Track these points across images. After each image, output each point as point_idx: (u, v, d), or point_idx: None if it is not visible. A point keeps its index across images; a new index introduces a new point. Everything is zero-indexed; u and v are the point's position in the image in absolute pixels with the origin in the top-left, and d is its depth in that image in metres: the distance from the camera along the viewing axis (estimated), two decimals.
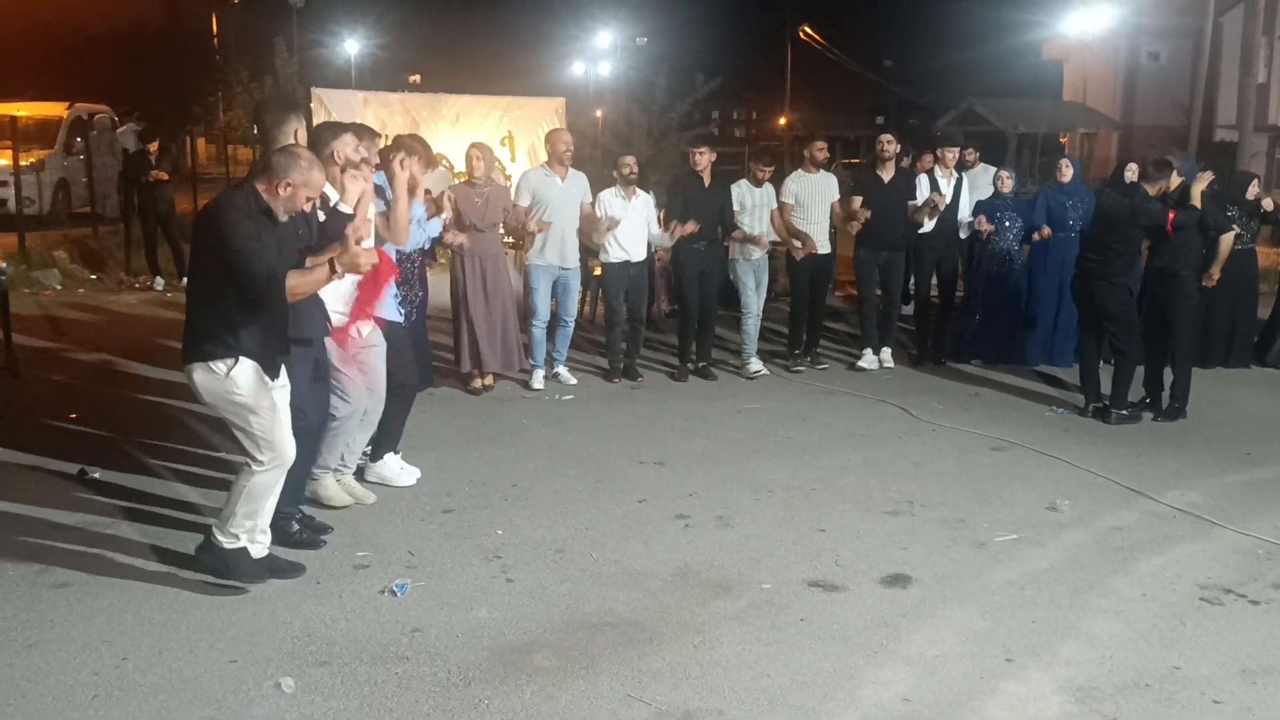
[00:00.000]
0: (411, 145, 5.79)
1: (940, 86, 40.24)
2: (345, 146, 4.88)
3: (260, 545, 4.47)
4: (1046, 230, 8.74)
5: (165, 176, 12.34)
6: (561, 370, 8.27)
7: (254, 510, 4.36)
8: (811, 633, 4.20)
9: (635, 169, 8.16)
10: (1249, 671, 3.96)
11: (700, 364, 8.56)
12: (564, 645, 4.04)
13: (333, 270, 4.32)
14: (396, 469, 5.82)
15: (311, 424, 4.83)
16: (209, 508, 5.15)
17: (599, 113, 22.07)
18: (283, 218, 4.24)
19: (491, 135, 11.84)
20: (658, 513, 5.51)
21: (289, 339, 4.40)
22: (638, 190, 8.21)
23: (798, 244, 8.56)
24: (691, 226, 7.96)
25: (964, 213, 9.11)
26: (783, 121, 51.84)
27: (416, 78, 39.51)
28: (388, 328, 5.45)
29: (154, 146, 12.58)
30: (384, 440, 5.74)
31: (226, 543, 4.36)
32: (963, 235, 9.19)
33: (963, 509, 5.65)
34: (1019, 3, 36.74)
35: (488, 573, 4.72)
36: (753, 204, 8.44)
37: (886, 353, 9.02)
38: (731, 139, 57.92)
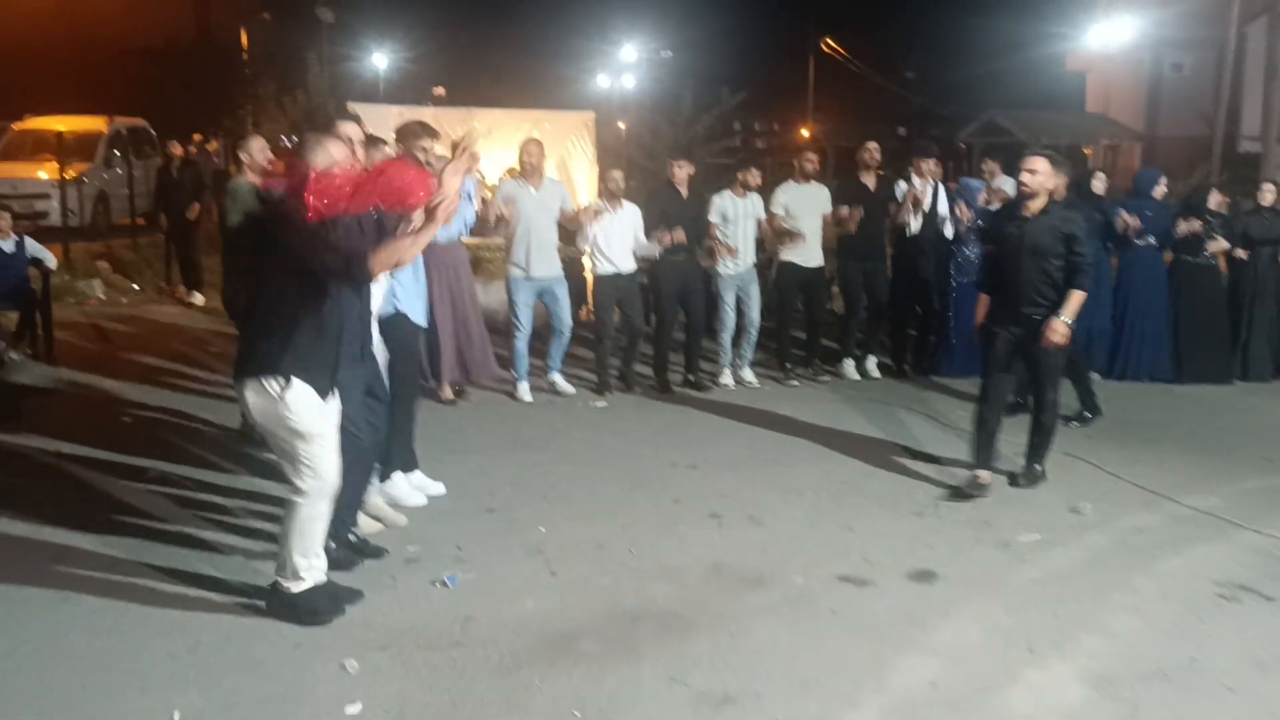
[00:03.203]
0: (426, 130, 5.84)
1: (962, 98, 40.28)
2: (349, 129, 4.76)
3: (318, 570, 4.35)
4: None
5: (194, 212, 12.37)
6: (557, 379, 8.33)
7: (307, 546, 4.25)
8: (842, 624, 4.41)
9: (621, 183, 8.26)
10: (1263, 663, 4.14)
11: (690, 377, 8.62)
12: (607, 633, 4.26)
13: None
14: (406, 489, 5.72)
15: (364, 444, 4.76)
16: (271, 498, 5.41)
17: (622, 124, 22.30)
18: None
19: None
20: (692, 512, 5.73)
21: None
22: (624, 202, 8.26)
23: (788, 242, 8.58)
24: (679, 235, 8.09)
25: (943, 209, 8.96)
26: (805, 133, 52.02)
27: (441, 90, 39.97)
28: (401, 328, 5.40)
29: (179, 150, 12.91)
30: (391, 459, 5.61)
31: (294, 587, 4.27)
32: (949, 234, 8.97)
33: (987, 511, 5.84)
34: (1041, 15, 36.80)
35: (532, 567, 4.95)
36: (735, 215, 8.45)
37: (872, 362, 9.07)
38: (755, 150, 58.17)
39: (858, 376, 8.98)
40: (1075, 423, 7.60)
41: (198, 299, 12.15)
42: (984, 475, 6.08)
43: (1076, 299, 5.92)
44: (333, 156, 4.14)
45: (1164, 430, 7.64)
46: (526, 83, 36.16)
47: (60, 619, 4.26)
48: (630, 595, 4.66)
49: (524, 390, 8.16)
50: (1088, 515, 5.79)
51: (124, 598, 4.45)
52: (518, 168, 8.26)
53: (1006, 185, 9.78)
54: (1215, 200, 9.22)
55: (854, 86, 52.75)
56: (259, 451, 6.07)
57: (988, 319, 6.21)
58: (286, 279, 4.11)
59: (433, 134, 5.75)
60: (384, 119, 12.56)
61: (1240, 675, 4.03)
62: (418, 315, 5.66)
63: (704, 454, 6.80)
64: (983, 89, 39.91)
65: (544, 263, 8.02)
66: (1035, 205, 5.95)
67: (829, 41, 49.53)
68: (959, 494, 6.01)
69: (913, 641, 4.26)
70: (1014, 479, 6.22)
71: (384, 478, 5.63)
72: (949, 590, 4.79)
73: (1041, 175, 5.93)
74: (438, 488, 5.88)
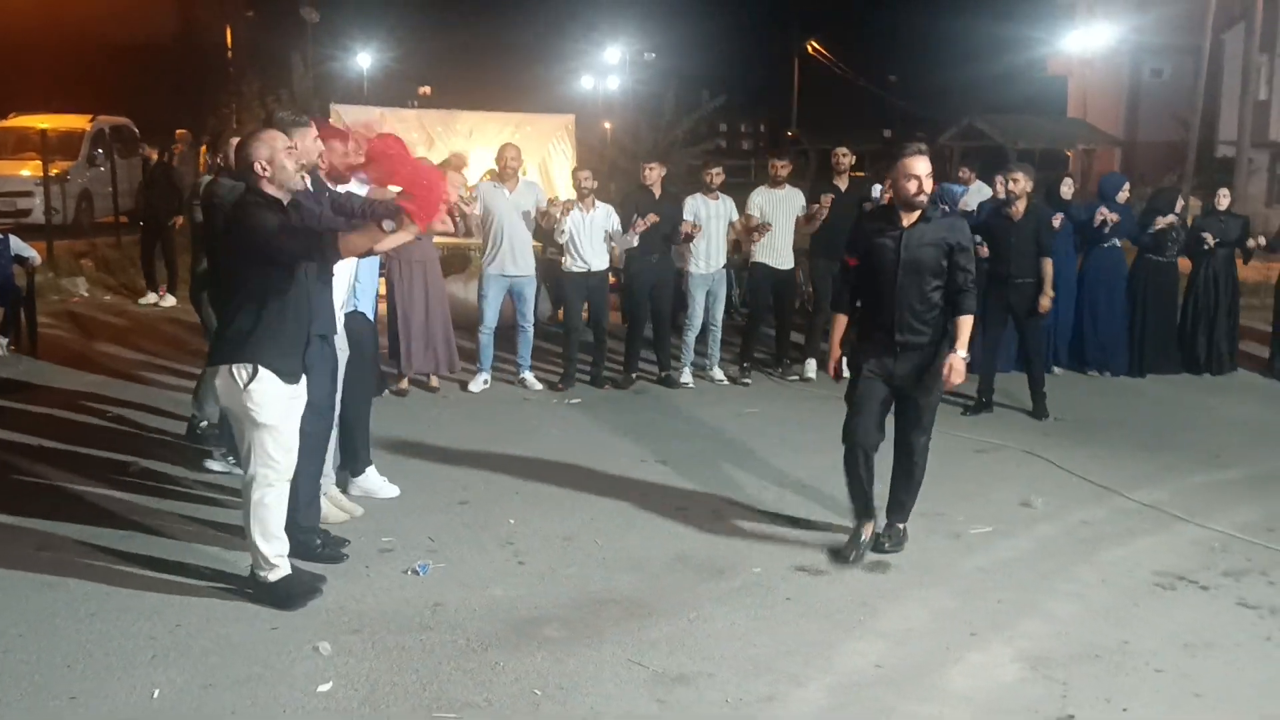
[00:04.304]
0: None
1: (945, 101, 40.77)
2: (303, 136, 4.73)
3: (280, 551, 4.48)
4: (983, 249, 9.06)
5: (179, 222, 12.19)
6: (527, 376, 8.58)
7: (268, 532, 4.39)
8: (796, 610, 4.63)
9: (591, 181, 8.48)
10: (1190, 646, 4.37)
11: (662, 373, 8.85)
12: (571, 619, 4.47)
13: (381, 227, 4.33)
14: (379, 481, 5.91)
15: (323, 428, 4.92)
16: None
17: (607, 125, 22.49)
18: (286, 197, 4.31)
19: None
20: (659, 505, 5.94)
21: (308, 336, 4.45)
22: (597, 202, 8.49)
23: (758, 237, 8.71)
24: (653, 217, 8.30)
25: None
26: (790, 135, 52.30)
27: (427, 89, 40.10)
28: (359, 325, 5.51)
29: (153, 154, 12.99)
30: (359, 453, 5.82)
31: (270, 575, 4.44)
32: None
33: (943, 504, 6.05)
34: (1021, 19, 37.25)
35: (501, 557, 5.15)
36: (707, 216, 8.66)
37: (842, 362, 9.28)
38: (739, 152, 58.57)
39: (814, 376, 9.04)
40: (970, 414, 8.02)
41: (169, 300, 12.04)
42: (867, 528, 5.27)
43: (966, 326, 5.10)
44: (274, 144, 4.26)
45: (1119, 427, 7.89)
46: (511, 83, 36.37)
47: (46, 603, 4.45)
48: (595, 584, 4.86)
49: (478, 382, 8.44)
50: (1038, 509, 6.03)
51: (107, 584, 4.63)
52: (497, 169, 8.52)
53: (983, 192, 10.05)
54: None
55: (839, 90, 53.09)
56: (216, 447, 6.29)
57: (856, 348, 5.35)
58: (251, 267, 4.26)
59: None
60: (367, 121, 12.76)
61: (1168, 656, 4.27)
62: (370, 311, 5.82)
63: (674, 450, 7.01)
64: (966, 93, 40.42)
65: (516, 262, 8.33)
66: (913, 211, 5.05)
67: (814, 45, 49.89)
68: (840, 556, 5.18)
69: (861, 625, 4.49)
70: (878, 541, 5.26)
71: (357, 471, 5.86)
72: (900, 578, 5.01)
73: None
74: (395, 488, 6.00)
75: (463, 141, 12.92)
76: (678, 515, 5.81)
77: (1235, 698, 3.99)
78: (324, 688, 3.85)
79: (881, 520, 5.34)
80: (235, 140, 5.21)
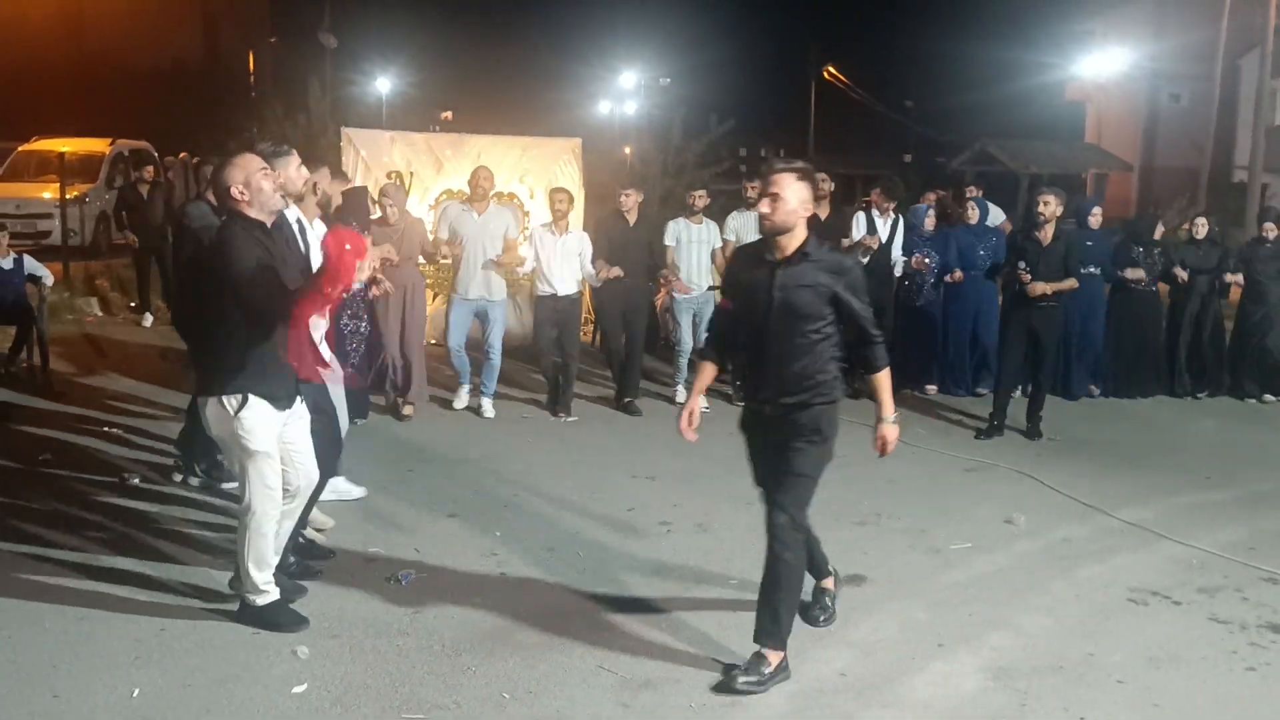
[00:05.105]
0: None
1: (961, 126, 40.79)
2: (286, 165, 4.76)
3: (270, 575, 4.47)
4: (958, 274, 9.18)
5: (133, 241, 12.39)
6: (484, 402, 8.35)
7: (262, 559, 4.38)
8: None
9: (567, 204, 8.43)
10: (1155, 659, 4.43)
11: (625, 400, 8.65)
12: (545, 626, 4.57)
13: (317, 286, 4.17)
14: (346, 484, 6.05)
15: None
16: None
17: (628, 150, 22.66)
18: (269, 219, 4.27)
19: (510, 174, 12.39)
20: (643, 519, 6.03)
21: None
22: (570, 227, 8.46)
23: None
24: (617, 271, 8.33)
25: (897, 252, 9.26)
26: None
27: (448, 114, 40.55)
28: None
29: (150, 172, 13.16)
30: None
31: (259, 600, 4.42)
32: (898, 273, 9.30)
33: (926, 521, 6.13)
34: (1037, 46, 37.34)
35: (484, 567, 5.25)
36: (689, 240, 8.70)
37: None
38: (757, 175, 58.83)
39: None
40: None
41: (147, 320, 12.07)
42: (828, 582, 4.70)
43: (883, 386, 4.34)
44: (249, 168, 4.22)
45: (1111, 448, 7.94)
46: (531, 107, 36.70)
47: (38, 607, 4.58)
48: (573, 593, 4.96)
49: (462, 396, 8.46)
50: (1020, 526, 6.09)
51: (98, 589, 4.77)
52: (466, 191, 8.54)
53: (991, 213, 10.15)
54: (1159, 231, 9.57)
55: (856, 114, 53.24)
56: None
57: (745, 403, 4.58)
58: (231, 298, 4.16)
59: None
60: (378, 144, 12.98)
61: (1131, 669, 4.32)
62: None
63: (663, 466, 7.10)
64: (982, 117, 40.42)
65: (481, 285, 8.28)
66: (788, 244, 4.16)
67: (831, 69, 50.07)
68: (810, 619, 4.61)
69: (831, 635, 4.57)
70: (729, 673, 4.12)
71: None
72: (875, 591, 5.09)
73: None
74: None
75: (471, 165, 13.11)
76: (661, 528, 5.90)
77: (1194, 710, 4.05)
78: (299, 689, 3.96)
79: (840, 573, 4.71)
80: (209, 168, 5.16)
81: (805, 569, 4.33)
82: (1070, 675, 4.25)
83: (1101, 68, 33.12)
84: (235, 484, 5.69)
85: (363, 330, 7.14)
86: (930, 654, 4.41)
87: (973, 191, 10.46)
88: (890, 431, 4.37)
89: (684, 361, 9.02)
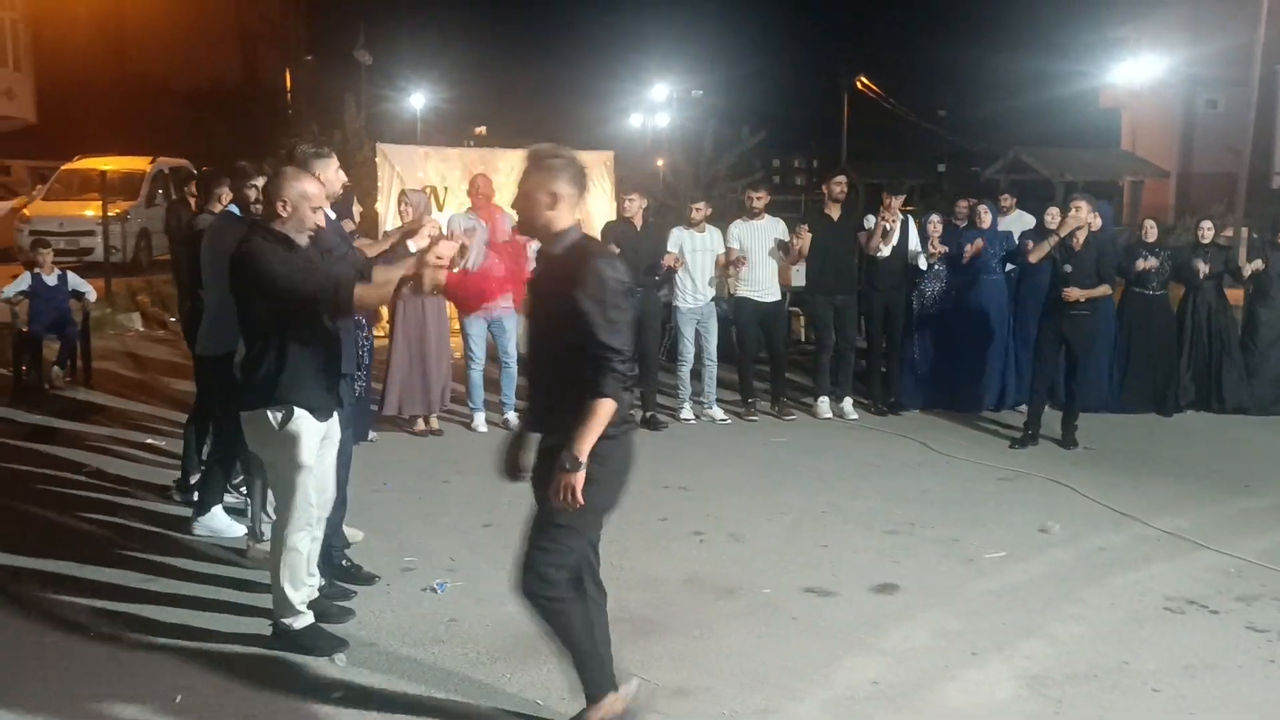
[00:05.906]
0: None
1: (995, 135, 40.60)
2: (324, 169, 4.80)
3: (310, 592, 4.45)
4: (979, 243, 8.93)
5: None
6: (510, 416, 8.08)
7: (297, 578, 4.32)
8: (801, 629, 4.73)
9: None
10: (1191, 667, 4.40)
11: (647, 414, 8.48)
12: None
13: (404, 283, 4.34)
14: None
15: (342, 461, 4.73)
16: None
17: (660, 162, 22.75)
18: (302, 240, 4.24)
19: None
20: (677, 529, 6.07)
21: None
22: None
23: (734, 272, 8.67)
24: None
25: (914, 244, 9.06)
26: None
27: (482, 129, 40.88)
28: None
29: (194, 186, 13.39)
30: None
31: (295, 623, 4.35)
32: (922, 265, 9.11)
33: (959, 530, 6.12)
34: (1070, 54, 37.12)
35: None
36: (691, 249, 8.56)
37: (848, 403, 8.99)
38: (792, 187, 59.13)
39: (829, 415, 8.88)
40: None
41: None
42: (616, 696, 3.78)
43: (589, 418, 3.58)
44: (304, 190, 4.22)
45: (1147, 458, 7.88)
46: (564, 120, 36.93)
47: (83, 615, 4.68)
48: (609, 602, 4.98)
49: (479, 421, 8.26)
50: (1055, 534, 6.06)
51: (142, 601, 4.87)
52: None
53: (1024, 220, 10.10)
54: (1154, 235, 9.44)
55: (889, 124, 53.12)
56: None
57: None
58: (266, 307, 4.14)
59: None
60: (412, 160, 13.14)
61: (1167, 677, 4.30)
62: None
63: (696, 477, 7.13)
64: (1016, 126, 40.24)
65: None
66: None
67: (863, 80, 49.96)
68: None
69: (864, 644, 4.57)
70: None
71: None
72: (907, 600, 5.09)
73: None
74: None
75: (504, 179, 13.23)
76: (694, 538, 5.93)
77: (1230, 719, 4.02)
78: (335, 696, 4.02)
79: (633, 684, 3.88)
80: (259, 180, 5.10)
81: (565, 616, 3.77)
82: (1105, 683, 4.24)
83: (1136, 74, 32.84)
84: (239, 499, 5.90)
85: (366, 341, 7.00)
86: (964, 662, 4.41)
87: (1006, 200, 10.41)
88: (567, 481, 3.64)
89: (686, 373, 8.82)
